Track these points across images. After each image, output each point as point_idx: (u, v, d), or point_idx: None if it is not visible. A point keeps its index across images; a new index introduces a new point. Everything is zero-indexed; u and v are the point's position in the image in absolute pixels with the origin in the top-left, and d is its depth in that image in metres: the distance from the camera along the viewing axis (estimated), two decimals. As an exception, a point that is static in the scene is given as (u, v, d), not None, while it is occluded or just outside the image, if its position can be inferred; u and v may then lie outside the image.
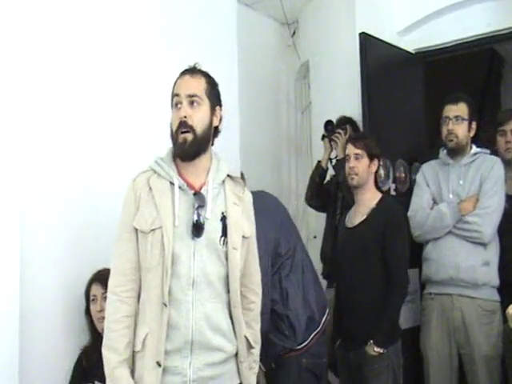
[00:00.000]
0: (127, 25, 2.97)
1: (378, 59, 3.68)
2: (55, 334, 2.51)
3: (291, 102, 4.88)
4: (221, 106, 2.11)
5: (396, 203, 3.05)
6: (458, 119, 3.13)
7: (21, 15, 2.47)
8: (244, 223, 2.05)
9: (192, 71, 2.05)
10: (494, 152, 3.34)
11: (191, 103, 1.99)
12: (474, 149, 3.18)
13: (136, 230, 1.96)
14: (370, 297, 2.80)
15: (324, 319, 2.73)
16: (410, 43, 3.98)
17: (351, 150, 2.97)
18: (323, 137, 3.81)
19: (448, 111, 3.16)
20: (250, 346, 2.05)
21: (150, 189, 1.98)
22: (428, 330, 3.12)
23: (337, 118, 3.84)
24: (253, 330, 2.11)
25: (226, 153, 3.57)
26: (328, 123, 3.79)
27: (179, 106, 2.00)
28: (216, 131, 2.10)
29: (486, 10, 3.73)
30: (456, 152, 3.17)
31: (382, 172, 3.55)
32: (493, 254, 3.05)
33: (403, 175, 3.70)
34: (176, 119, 1.99)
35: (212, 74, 3.55)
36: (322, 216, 3.91)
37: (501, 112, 3.53)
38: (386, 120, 3.62)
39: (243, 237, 2.03)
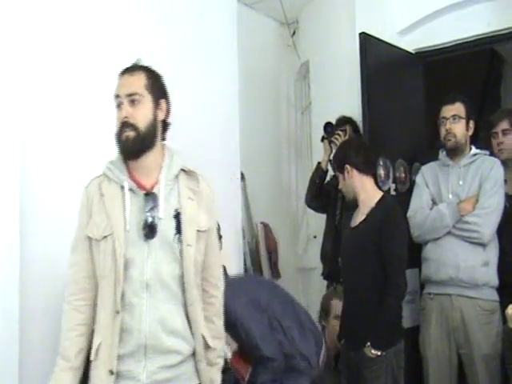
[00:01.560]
0: (126, 25, 2.97)
1: (378, 59, 3.68)
2: (55, 334, 2.51)
3: (291, 101, 4.88)
4: (166, 98, 2.06)
5: (395, 202, 3.04)
6: (455, 118, 3.14)
7: (21, 15, 2.47)
8: (200, 217, 2.01)
9: (131, 69, 2.02)
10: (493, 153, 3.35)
11: (132, 102, 1.97)
12: (474, 150, 3.18)
13: (89, 238, 1.95)
14: (369, 298, 2.78)
15: (322, 336, 2.76)
16: (410, 43, 3.98)
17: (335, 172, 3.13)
18: (323, 138, 3.81)
19: (445, 111, 3.17)
20: (207, 346, 2.00)
21: (102, 195, 1.97)
22: (427, 329, 3.12)
23: (336, 117, 3.84)
24: (214, 325, 2.08)
25: (226, 153, 3.61)
26: (327, 125, 3.79)
27: (121, 106, 1.98)
28: (165, 125, 2.06)
29: (486, 10, 3.73)
30: (455, 152, 3.17)
31: (382, 172, 3.55)
32: (492, 254, 3.05)
33: (403, 175, 3.70)
34: (118, 120, 1.97)
35: (212, 74, 3.58)
36: (322, 216, 3.91)
37: (493, 115, 3.53)
38: (386, 120, 3.62)
39: (199, 231, 1.99)
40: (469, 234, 3.03)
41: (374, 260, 2.80)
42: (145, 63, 2.05)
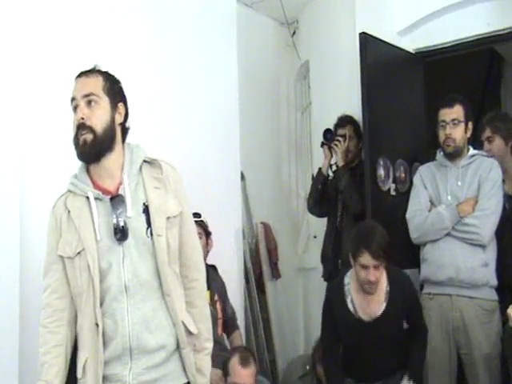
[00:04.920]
0: (127, 25, 2.98)
1: (378, 59, 3.68)
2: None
3: (291, 102, 4.88)
4: (125, 102, 2.02)
5: (399, 270, 2.94)
6: (454, 122, 3.12)
7: (21, 15, 2.47)
8: (169, 203, 1.98)
9: (87, 72, 1.98)
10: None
11: (88, 103, 1.92)
12: (472, 151, 3.18)
13: (62, 257, 1.94)
14: (396, 354, 2.88)
15: None
16: (410, 43, 3.97)
17: (370, 262, 2.69)
18: (322, 144, 3.81)
19: (444, 115, 3.15)
20: (189, 332, 1.98)
21: (69, 211, 1.95)
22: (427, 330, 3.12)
23: (338, 116, 3.84)
24: (198, 309, 2.05)
25: (226, 153, 3.61)
26: (327, 131, 3.78)
27: (77, 109, 1.93)
28: (124, 128, 2.02)
29: (486, 10, 3.72)
30: (454, 155, 3.17)
31: (382, 172, 3.55)
32: (491, 254, 3.05)
33: (403, 175, 3.69)
34: (75, 122, 1.93)
35: (212, 74, 3.58)
36: (323, 216, 3.92)
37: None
38: (386, 120, 3.62)
39: (169, 217, 1.96)
40: (468, 236, 3.03)
41: (401, 334, 2.88)
42: (103, 68, 1.99)
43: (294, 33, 4.75)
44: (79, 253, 1.90)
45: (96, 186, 1.97)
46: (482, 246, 3.02)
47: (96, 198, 1.94)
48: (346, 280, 2.88)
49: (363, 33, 3.60)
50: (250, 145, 4.01)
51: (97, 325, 1.88)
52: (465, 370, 3.07)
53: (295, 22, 4.73)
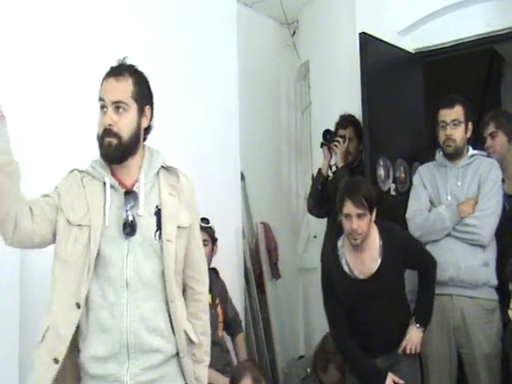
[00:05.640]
0: (127, 25, 2.98)
1: (378, 59, 3.68)
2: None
3: (291, 101, 4.88)
4: (151, 104, 2.04)
5: (388, 223, 2.95)
6: (455, 123, 3.13)
7: (20, 14, 2.47)
8: (181, 213, 2.01)
9: (117, 73, 1.97)
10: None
11: (117, 109, 1.94)
12: (471, 151, 3.19)
13: (61, 211, 1.92)
14: (398, 308, 2.90)
15: None
16: (410, 43, 3.98)
17: (352, 210, 2.72)
18: (322, 144, 3.81)
19: (444, 115, 3.15)
20: (190, 341, 2.00)
21: (83, 186, 1.97)
22: (428, 329, 3.11)
23: (340, 115, 3.84)
24: (202, 322, 2.08)
25: (226, 153, 3.61)
26: (326, 132, 3.79)
27: (105, 109, 1.95)
28: (148, 128, 2.05)
29: (486, 10, 3.73)
30: (454, 155, 3.17)
31: (382, 172, 3.55)
32: (491, 254, 3.06)
33: (403, 175, 3.69)
34: (101, 125, 1.95)
35: (212, 74, 3.59)
36: (322, 216, 3.91)
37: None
38: (386, 120, 3.62)
39: (179, 227, 1.99)
40: (469, 236, 3.03)
41: (403, 285, 2.91)
42: (131, 61, 2.00)
43: (293, 33, 4.76)
44: (81, 226, 1.91)
45: (114, 176, 1.98)
46: (482, 246, 3.03)
47: (111, 187, 1.96)
48: (339, 244, 2.92)
49: (363, 33, 3.60)
50: (249, 145, 4.01)
51: (78, 306, 1.86)
52: (465, 370, 3.07)
53: (295, 22, 4.74)
